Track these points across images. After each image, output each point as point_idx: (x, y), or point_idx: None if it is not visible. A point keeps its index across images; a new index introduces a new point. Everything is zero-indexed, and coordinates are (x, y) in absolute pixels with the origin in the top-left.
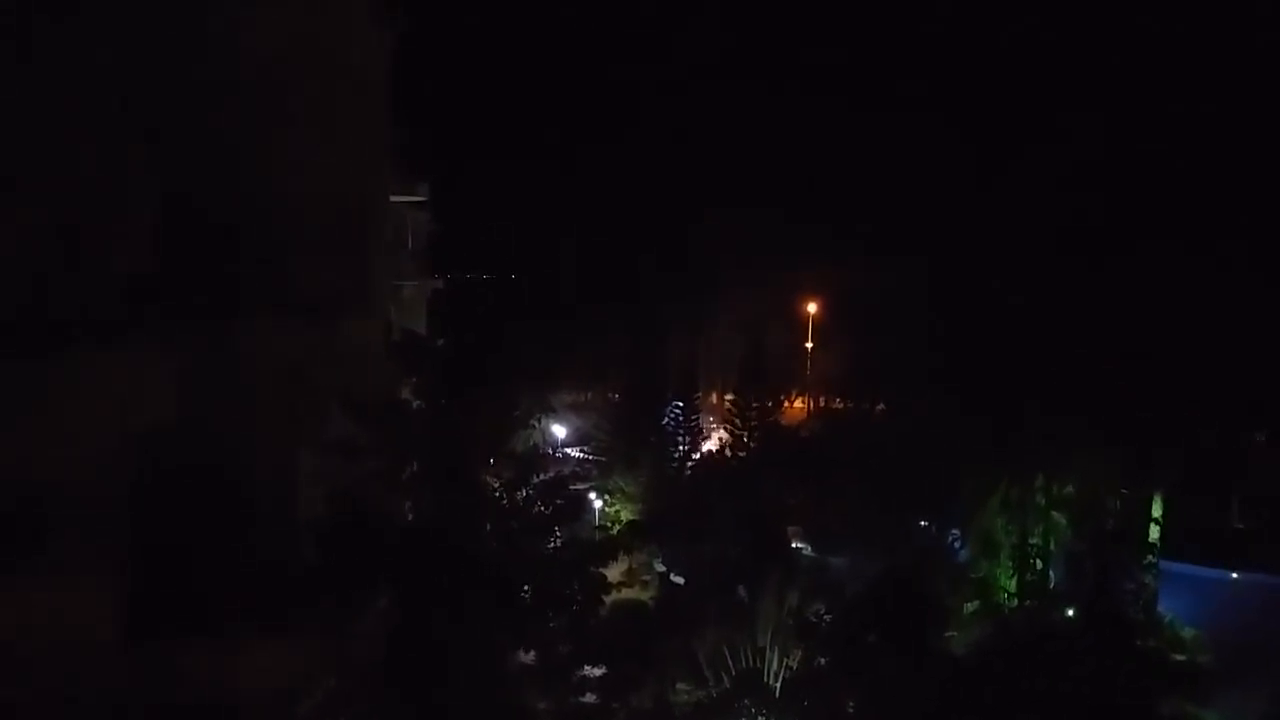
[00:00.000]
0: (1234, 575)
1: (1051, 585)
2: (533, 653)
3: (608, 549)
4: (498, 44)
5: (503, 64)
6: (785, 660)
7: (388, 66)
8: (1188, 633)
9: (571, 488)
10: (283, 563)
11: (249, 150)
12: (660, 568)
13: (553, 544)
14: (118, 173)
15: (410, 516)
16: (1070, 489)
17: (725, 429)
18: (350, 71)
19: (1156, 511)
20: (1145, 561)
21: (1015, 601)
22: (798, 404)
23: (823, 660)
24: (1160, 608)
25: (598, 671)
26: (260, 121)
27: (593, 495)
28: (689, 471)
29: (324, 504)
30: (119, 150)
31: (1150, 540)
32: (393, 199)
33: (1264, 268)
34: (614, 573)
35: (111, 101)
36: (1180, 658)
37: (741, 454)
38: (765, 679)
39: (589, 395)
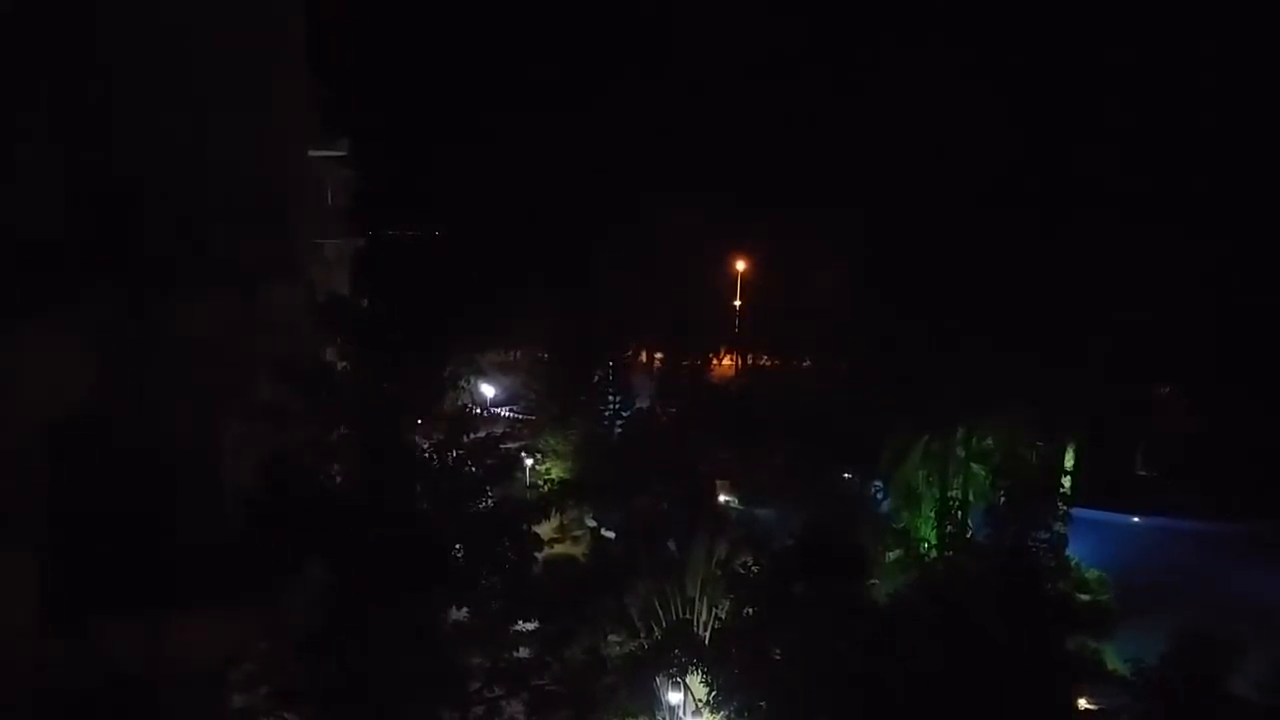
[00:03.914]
0: (1135, 519)
1: (970, 535)
2: (466, 610)
3: (540, 508)
4: None
5: (425, 10)
6: (714, 611)
7: (306, 13)
8: (1092, 574)
9: (502, 447)
10: (212, 535)
11: (160, 108)
12: (591, 523)
13: (485, 504)
14: (14, 136)
15: (339, 480)
16: (989, 442)
17: (655, 387)
18: (266, 20)
19: (1069, 463)
20: (1059, 512)
21: (936, 551)
22: (726, 361)
23: (751, 610)
24: (1068, 551)
25: (531, 626)
26: (171, 76)
27: (524, 454)
28: (619, 429)
29: (253, 473)
30: (14, 111)
31: (1063, 490)
32: (312, 154)
33: (1171, 226)
34: (546, 529)
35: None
36: (1085, 598)
37: (671, 411)
38: (695, 629)
39: (518, 355)
